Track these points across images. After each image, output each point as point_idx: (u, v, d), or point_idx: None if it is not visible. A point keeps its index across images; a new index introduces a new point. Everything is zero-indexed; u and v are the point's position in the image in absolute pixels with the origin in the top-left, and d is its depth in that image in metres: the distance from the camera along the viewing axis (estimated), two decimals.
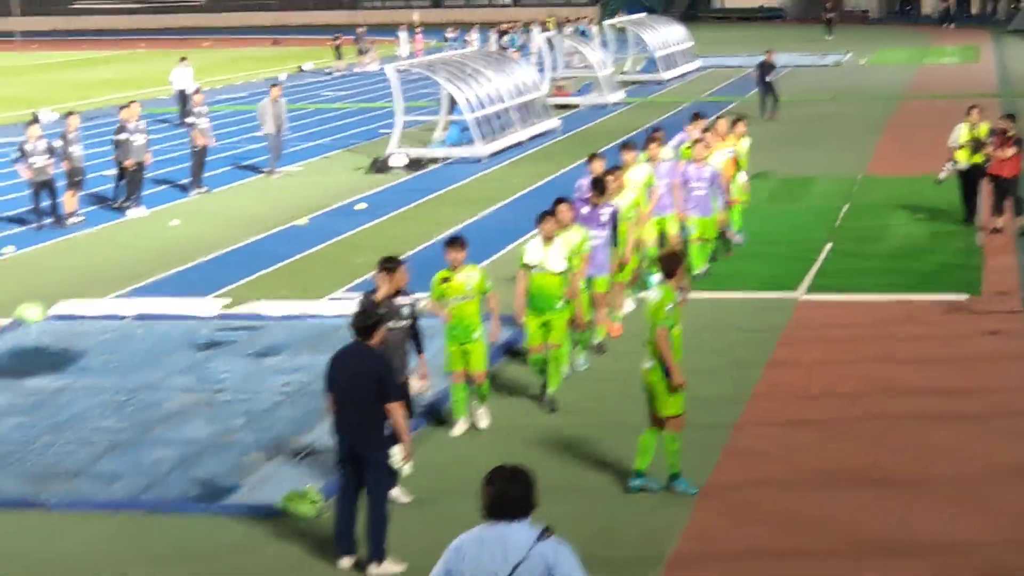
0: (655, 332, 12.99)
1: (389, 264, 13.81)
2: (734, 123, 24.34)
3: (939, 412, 15.67)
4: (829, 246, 24.00)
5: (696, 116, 24.84)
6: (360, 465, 11.74)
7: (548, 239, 15.79)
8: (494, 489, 7.39)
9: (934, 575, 11.62)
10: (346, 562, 11.90)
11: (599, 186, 17.80)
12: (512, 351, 17.92)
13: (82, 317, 20.44)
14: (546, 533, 7.34)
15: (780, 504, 13.10)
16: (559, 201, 16.55)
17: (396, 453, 11.84)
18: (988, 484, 13.52)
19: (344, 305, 19.21)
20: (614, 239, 17.82)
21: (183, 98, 44.22)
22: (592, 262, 17.20)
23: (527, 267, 15.80)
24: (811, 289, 21.17)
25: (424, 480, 13.58)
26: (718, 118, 24.22)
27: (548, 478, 13.56)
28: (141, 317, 20.38)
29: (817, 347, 18.35)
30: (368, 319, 11.97)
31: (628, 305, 19.15)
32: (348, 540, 11.92)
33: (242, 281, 22.79)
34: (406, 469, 11.90)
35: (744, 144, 24.15)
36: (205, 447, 14.90)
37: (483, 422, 15.30)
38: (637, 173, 20.14)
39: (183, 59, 46.19)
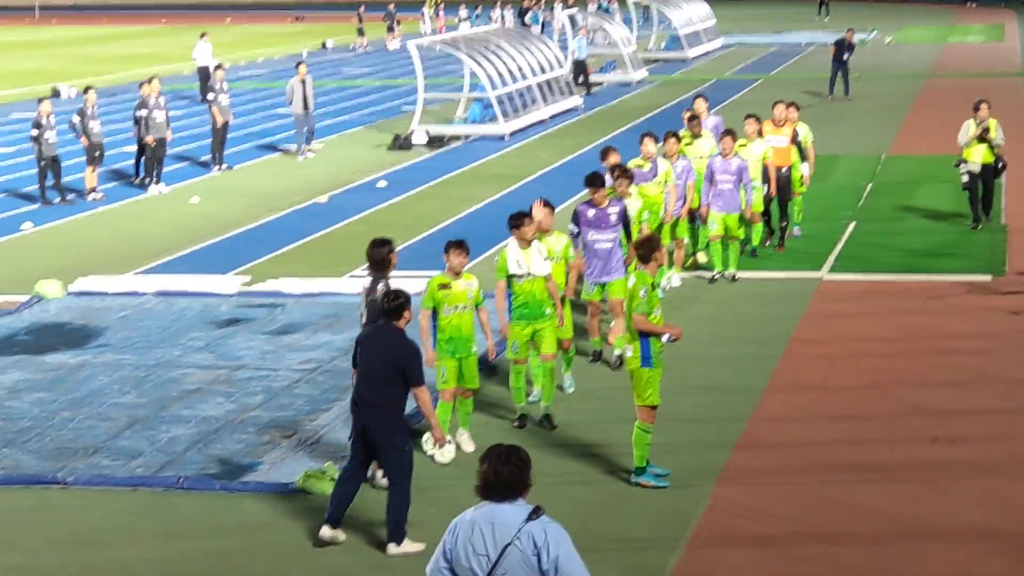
0: (631, 319, 12.86)
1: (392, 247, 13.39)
2: (788, 107, 22.52)
3: (960, 395, 15.53)
4: (852, 225, 23.86)
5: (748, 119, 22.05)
6: (370, 445, 11.68)
7: (527, 242, 14.52)
8: (486, 468, 7.35)
9: (958, 560, 11.51)
10: (326, 532, 11.89)
11: (596, 182, 16.43)
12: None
13: (102, 293, 20.42)
14: (536, 512, 7.27)
15: (799, 489, 12.99)
16: (542, 203, 15.34)
17: (428, 440, 11.74)
18: (1013, 470, 13.40)
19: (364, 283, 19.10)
20: (628, 236, 16.59)
21: (204, 74, 44.16)
22: (604, 267, 16.47)
23: (513, 277, 14.49)
24: (834, 269, 21.03)
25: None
26: (776, 104, 22.38)
27: (560, 465, 13.56)
28: (161, 294, 20.35)
29: (839, 327, 18.22)
30: (396, 299, 11.83)
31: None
32: (337, 513, 11.91)
33: (262, 259, 22.76)
34: (442, 456, 11.73)
35: (802, 131, 22.68)
36: (223, 425, 14.85)
37: (469, 446, 13.78)
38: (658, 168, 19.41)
39: (203, 35, 46.08)
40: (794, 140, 22.21)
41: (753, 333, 17.90)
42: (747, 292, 19.91)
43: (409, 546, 11.64)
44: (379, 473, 13.02)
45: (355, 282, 20.23)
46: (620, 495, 12.83)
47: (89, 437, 14.58)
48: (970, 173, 23.19)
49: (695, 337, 16.92)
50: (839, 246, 22.38)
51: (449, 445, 11.76)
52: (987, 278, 20.31)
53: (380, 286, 13.08)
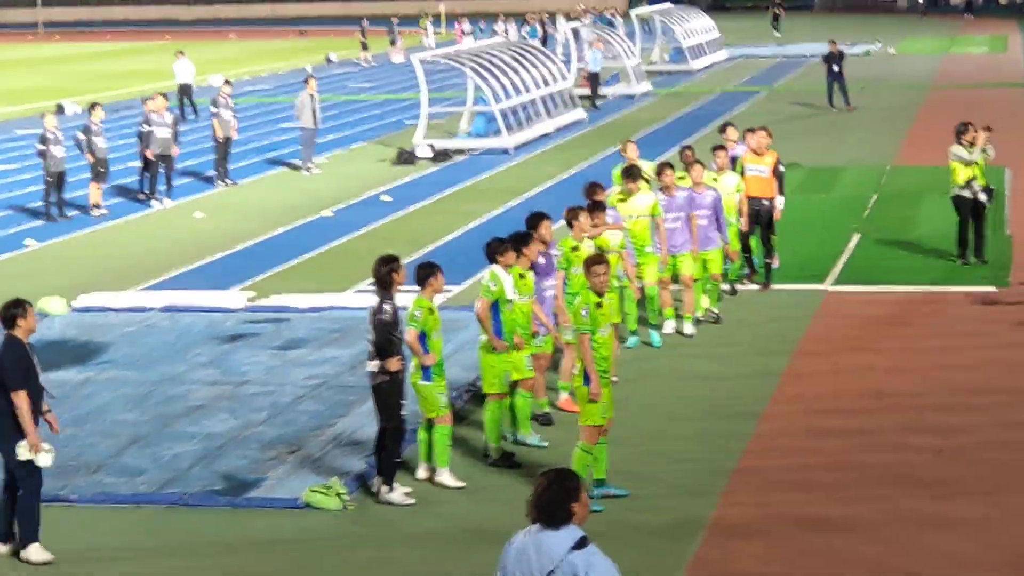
0: (579, 340, 12.49)
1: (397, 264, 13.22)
2: (758, 132, 20.55)
3: (965, 404, 15.51)
4: (858, 237, 23.81)
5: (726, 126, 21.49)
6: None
7: (509, 267, 14.09)
8: (535, 490, 7.29)
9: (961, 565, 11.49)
10: (2, 548, 12.11)
11: (532, 224, 15.09)
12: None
13: (106, 310, 20.38)
14: (583, 542, 7.19)
15: (810, 483, 12.98)
16: (529, 234, 14.61)
17: (22, 446, 11.77)
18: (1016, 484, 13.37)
19: (369, 298, 19.07)
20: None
21: (185, 92, 44.22)
22: (555, 316, 15.13)
23: (509, 303, 13.98)
24: (839, 280, 20.98)
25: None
26: (751, 132, 20.62)
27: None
28: (166, 309, 20.31)
29: (844, 339, 18.17)
30: (13, 308, 11.98)
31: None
32: (3, 529, 12.13)
33: (267, 273, 22.73)
34: (44, 461, 11.83)
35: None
36: (228, 441, 14.81)
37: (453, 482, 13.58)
38: (640, 201, 17.62)
39: (180, 52, 45.98)
40: (775, 170, 20.36)
41: (757, 346, 17.86)
42: (751, 304, 19.84)
43: (37, 553, 11.88)
44: (384, 488, 12.98)
45: (360, 297, 20.21)
46: (633, 486, 12.80)
47: (92, 454, 14.55)
48: (976, 196, 21.43)
49: (699, 341, 16.97)
50: (844, 258, 22.34)
51: (46, 455, 11.84)
52: (992, 289, 20.26)
53: (386, 305, 12.98)
